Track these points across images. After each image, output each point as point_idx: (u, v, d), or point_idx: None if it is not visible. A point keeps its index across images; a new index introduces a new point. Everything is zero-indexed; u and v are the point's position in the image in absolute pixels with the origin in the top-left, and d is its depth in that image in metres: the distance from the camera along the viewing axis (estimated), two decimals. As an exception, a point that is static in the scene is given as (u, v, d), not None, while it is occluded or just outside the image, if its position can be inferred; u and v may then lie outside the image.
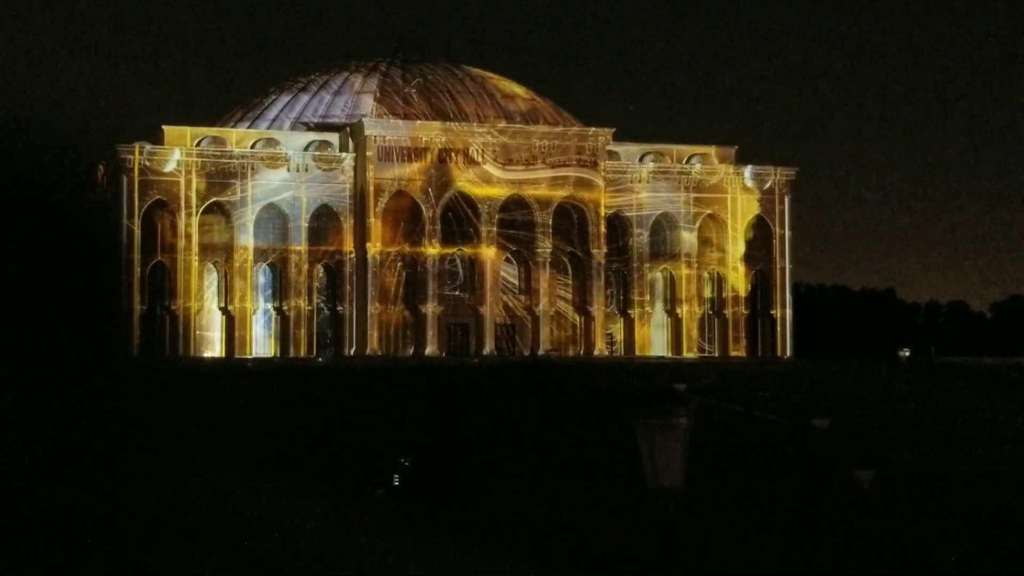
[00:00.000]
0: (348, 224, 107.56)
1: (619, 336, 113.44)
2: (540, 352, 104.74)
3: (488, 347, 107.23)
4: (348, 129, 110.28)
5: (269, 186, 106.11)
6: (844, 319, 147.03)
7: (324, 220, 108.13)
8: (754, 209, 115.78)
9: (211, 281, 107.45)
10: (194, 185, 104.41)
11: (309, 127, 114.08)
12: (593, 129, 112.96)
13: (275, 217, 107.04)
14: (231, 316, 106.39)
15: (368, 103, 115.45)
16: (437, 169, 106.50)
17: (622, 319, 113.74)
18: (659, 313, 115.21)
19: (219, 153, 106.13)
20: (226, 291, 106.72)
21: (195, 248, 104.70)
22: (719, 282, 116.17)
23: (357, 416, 53.19)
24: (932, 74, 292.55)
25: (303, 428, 50.59)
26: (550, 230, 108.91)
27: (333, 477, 40.58)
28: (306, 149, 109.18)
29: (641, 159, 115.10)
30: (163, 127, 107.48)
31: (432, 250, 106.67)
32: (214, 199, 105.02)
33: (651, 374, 76.00)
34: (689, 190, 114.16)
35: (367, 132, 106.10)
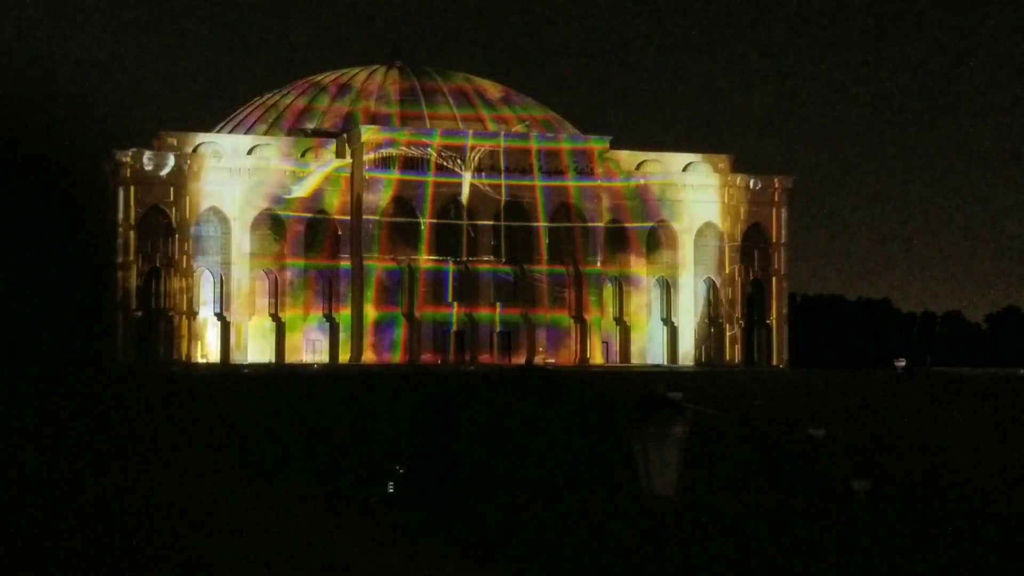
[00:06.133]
0: (345, 230, 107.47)
1: (615, 344, 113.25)
2: (536, 360, 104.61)
3: (484, 355, 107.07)
4: (345, 135, 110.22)
5: (266, 192, 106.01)
6: (840, 328, 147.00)
7: (321, 226, 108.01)
8: (751, 217, 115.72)
9: (207, 287, 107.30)
10: (191, 190, 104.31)
11: (306, 133, 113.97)
12: (590, 137, 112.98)
13: (271, 223, 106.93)
14: (227, 322, 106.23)
15: (366, 109, 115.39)
16: (434, 176, 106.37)
17: (618, 327, 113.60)
18: (655, 321, 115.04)
19: (216, 159, 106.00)
20: (222, 297, 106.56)
21: (192, 254, 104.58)
22: (715, 290, 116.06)
23: (352, 423, 53.07)
24: (930, 83, 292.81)
25: (298, 434, 50.47)
26: (547, 238, 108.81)
27: (328, 484, 40.46)
28: (303, 155, 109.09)
29: (638, 167, 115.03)
30: (161, 133, 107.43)
31: (428, 257, 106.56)
32: (211, 205, 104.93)
33: (647, 382, 75.83)
34: (685, 198, 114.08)
35: (364, 138, 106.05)
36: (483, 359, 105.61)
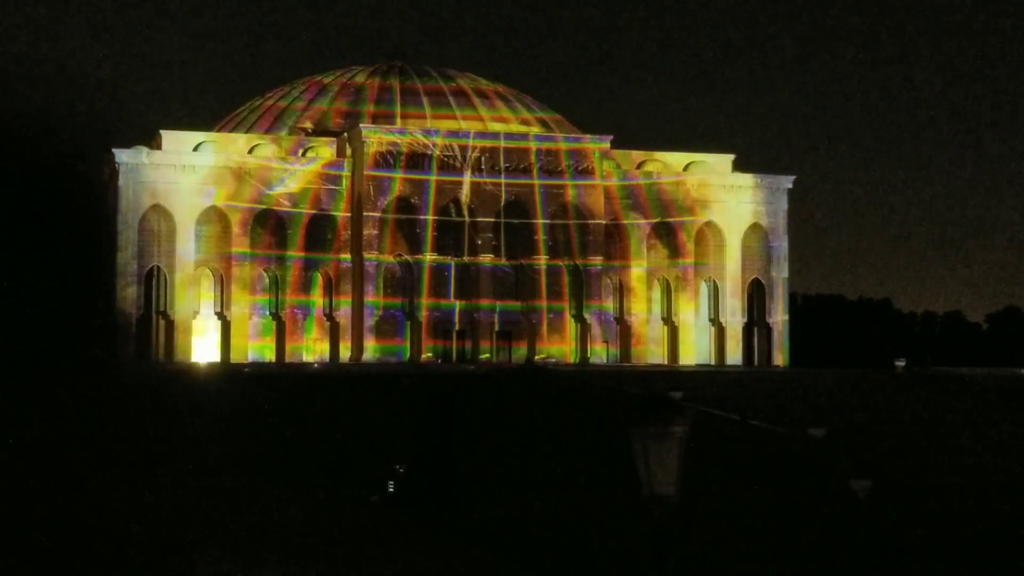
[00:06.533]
0: (345, 229, 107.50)
1: (616, 344, 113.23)
2: (536, 359, 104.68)
3: (484, 354, 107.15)
4: (345, 135, 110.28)
5: (266, 191, 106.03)
6: (841, 328, 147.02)
7: (321, 225, 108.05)
8: (751, 217, 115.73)
9: (208, 286, 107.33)
10: (191, 190, 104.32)
11: (306, 132, 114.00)
12: (590, 136, 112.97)
13: (272, 222, 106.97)
14: (227, 321, 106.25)
15: (365, 108, 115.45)
16: (434, 175, 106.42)
17: (619, 326, 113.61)
18: (656, 321, 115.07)
19: (216, 158, 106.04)
20: (222, 296, 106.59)
21: (192, 253, 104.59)
22: (716, 290, 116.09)
23: (352, 422, 53.08)
24: (930, 83, 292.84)
25: (298, 434, 50.49)
26: (547, 237, 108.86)
27: (328, 483, 40.47)
28: (303, 154, 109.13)
29: (638, 167, 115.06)
30: (160, 131, 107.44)
31: (428, 256, 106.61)
32: (211, 204, 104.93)
33: (647, 382, 75.83)
34: (686, 198, 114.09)
35: (364, 137, 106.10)
36: (483, 358, 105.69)
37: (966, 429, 60.71)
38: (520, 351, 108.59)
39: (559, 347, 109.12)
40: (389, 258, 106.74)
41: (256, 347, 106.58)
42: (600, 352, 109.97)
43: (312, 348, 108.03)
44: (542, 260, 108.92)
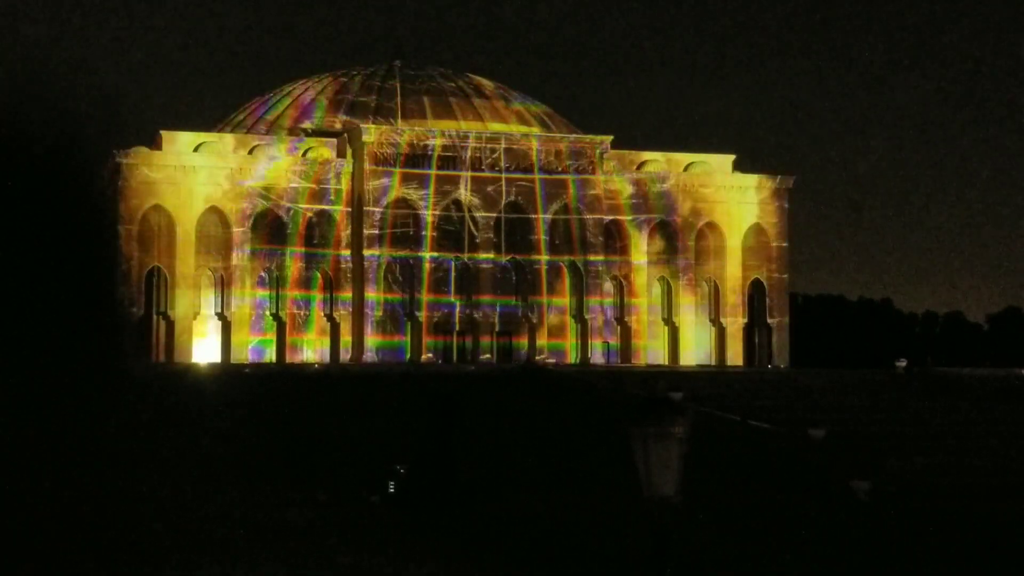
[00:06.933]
0: (345, 229, 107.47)
1: (616, 344, 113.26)
2: (537, 359, 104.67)
3: (484, 354, 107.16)
4: (346, 135, 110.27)
5: (266, 191, 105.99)
6: (841, 329, 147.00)
7: (321, 225, 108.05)
8: (751, 217, 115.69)
9: (208, 286, 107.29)
10: (191, 190, 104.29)
11: (307, 132, 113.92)
12: (591, 136, 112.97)
13: (272, 222, 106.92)
14: (227, 321, 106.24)
15: (366, 108, 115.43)
16: (434, 175, 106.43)
17: (619, 327, 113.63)
18: (656, 321, 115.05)
19: (216, 158, 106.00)
20: (222, 296, 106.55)
21: (192, 253, 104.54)
22: (716, 290, 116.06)
23: (353, 422, 53.09)
24: (930, 84, 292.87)
25: (298, 434, 50.49)
26: (547, 236, 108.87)
27: (329, 484, 40.47)
28: (304, 154, 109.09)
29: (639, 167, 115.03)
30: (160, 132, 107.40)
31: (428, 256, 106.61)
32: (211, 204, 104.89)
33: (648, 382, 75.82)
34: (686, 198, 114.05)
35: (364, 138, 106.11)
36: (483, 358, 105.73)
37: (967, 429, 60.72)
38: (521, 345, 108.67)
39: (560, 344, 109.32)
40: (389, 258, 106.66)
41: (256, 346, 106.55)
42: (600, 350, 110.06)
43: (313, 347, 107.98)
44: (542, 259, 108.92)
